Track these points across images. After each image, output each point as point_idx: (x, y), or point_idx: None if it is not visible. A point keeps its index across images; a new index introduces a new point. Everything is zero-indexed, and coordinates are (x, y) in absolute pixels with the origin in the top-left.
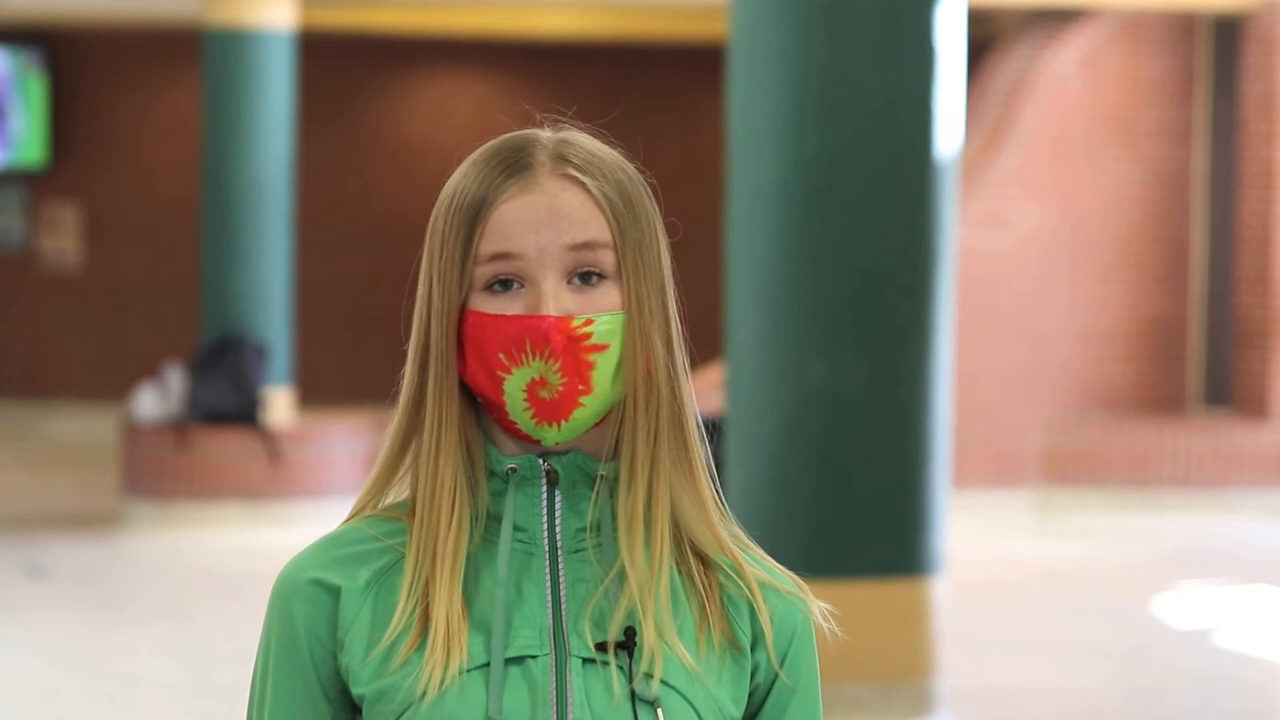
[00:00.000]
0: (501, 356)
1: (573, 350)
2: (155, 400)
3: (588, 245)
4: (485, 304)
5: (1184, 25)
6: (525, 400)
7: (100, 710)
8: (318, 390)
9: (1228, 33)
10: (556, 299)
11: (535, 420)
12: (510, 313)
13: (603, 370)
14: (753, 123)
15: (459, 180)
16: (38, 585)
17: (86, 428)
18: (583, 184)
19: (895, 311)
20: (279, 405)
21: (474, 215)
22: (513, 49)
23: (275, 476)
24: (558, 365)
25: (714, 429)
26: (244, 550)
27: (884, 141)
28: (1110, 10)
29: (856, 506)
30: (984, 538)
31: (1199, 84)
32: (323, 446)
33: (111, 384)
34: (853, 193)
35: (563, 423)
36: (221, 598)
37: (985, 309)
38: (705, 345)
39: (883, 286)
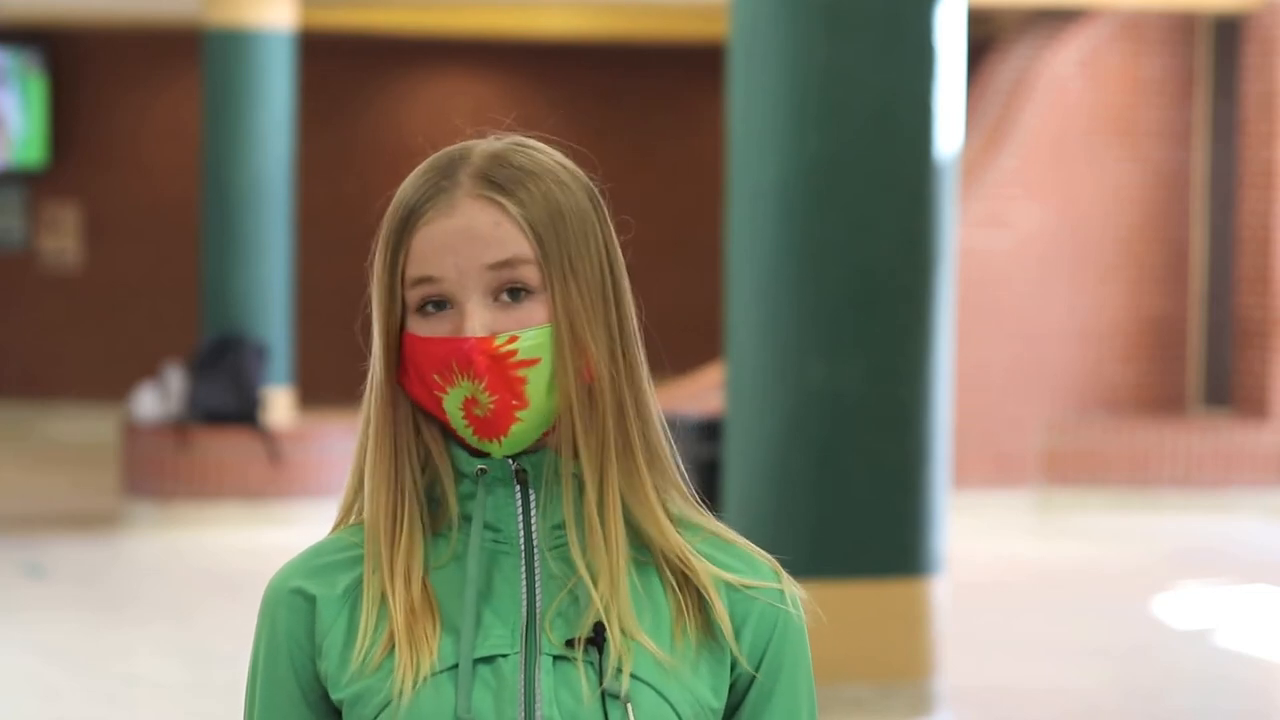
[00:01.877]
0: (436, 378)
1: (498, 369)
2: (155, 400)
3: (507, 263)
4: (418, 326)
5: (1184, 25)
6: (464, 417)
7: (100, 710)
8: (318, 390)
9: (1228, 33)
10: (480, 319)
11: (476, 436)
12: (439, 334)
13: (536, 384)
14: (753, 123)
15: (398, 195)
16: (38, 585)
17: (86, 428)
18: (499, 204)
19: (895, 311)
20: (279, 405)
21: (398, 239)
22: (513, 49)
23: (275, 476)
24: (484, 385)
25: (712, 430)
26: (244, 550)
27: (884, 142)
28: (1110, 10)
29: (856, 506)
30: (984, 538)
31: (1199, 84)
32: (323, 446)
33: (111, 384)
34: (853, 193)
35: (502, 438)
36: (221, 598)
37: (985, 309)
38: (705, 345)
39: (883, 286)
